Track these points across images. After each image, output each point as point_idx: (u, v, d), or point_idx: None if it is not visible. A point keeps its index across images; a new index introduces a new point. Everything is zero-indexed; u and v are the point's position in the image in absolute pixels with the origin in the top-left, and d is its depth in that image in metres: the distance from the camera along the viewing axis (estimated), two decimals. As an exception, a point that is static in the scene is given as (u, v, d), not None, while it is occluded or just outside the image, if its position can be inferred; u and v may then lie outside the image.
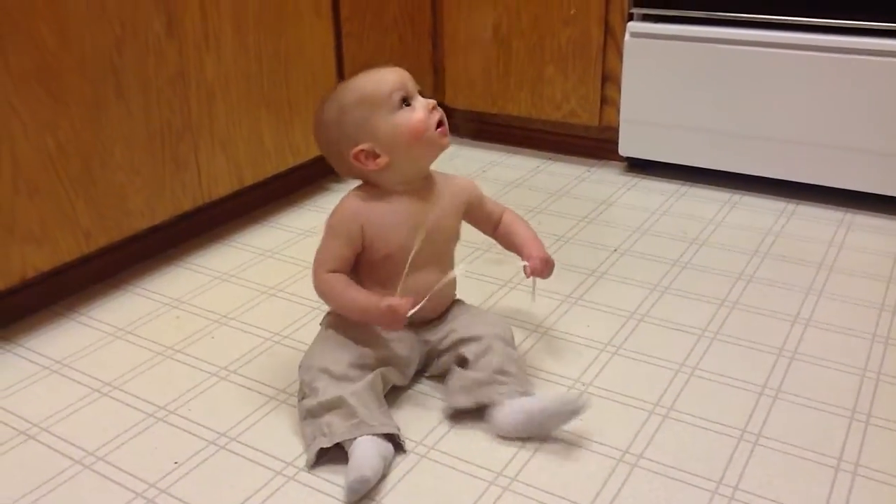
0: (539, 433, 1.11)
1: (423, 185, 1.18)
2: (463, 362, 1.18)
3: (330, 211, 1.17)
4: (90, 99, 1.39)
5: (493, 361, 1.14)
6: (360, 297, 1.13)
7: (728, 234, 1.72)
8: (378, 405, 1.10)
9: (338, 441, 1.05)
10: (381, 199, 1.16)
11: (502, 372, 1.13)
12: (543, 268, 1.21)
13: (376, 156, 1.13)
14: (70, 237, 1.41)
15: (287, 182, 1.93)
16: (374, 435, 1.05)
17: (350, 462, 1.02)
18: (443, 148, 1.16)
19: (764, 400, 1.18)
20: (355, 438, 1.04)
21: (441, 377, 1.22)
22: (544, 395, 1.14)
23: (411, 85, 1.15)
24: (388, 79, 1.14)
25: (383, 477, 1.03)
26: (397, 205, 1.16)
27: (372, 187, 1.17)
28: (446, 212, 1.20)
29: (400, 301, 1.09)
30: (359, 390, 1.08)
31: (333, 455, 1.05)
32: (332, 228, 1.16)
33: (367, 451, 1.02)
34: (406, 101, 1.13)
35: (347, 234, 1.15)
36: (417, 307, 1.11)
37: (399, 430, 1.09)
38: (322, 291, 1.16)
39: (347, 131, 1.14)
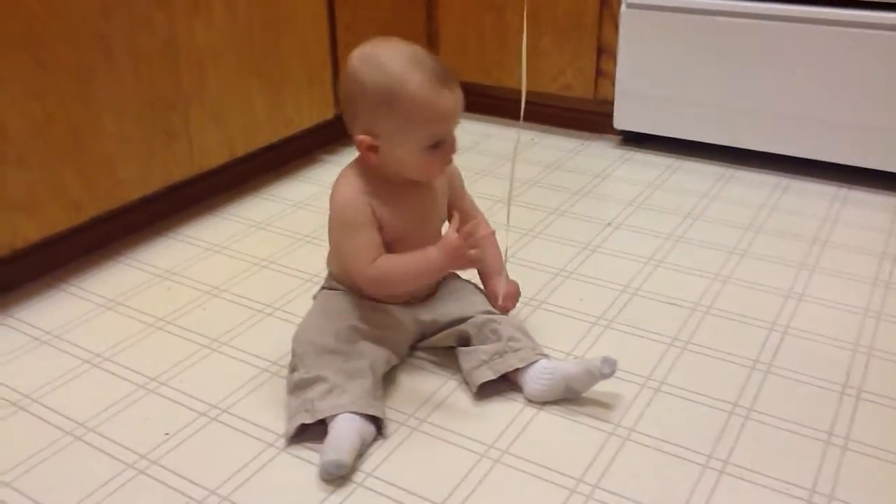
0: (566, 396, 1.12)
1: None
2: (465, 341, 1.18)
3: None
4: (78, 67, 1.37)
5: (500, 331, 1.15)
6: (420, 260, 1.09)
7: (722, 208, 1.71)
8: (371, 384, 1.08)
9: (320, 418, 1.04)
10: (376, 184, 1.12)
11: (513, 339, 1.14)
12: (510, 307, 1.23)
13: (375, 150, 1.09)
14: (60, 207, 1.39)
15: (279, 153, 1.92)
16: (356, 414, 1.04)
17: (327, 439, 1.01)
18: (411, 183, 1.14)
19: (756, 374, 1.18)
20: (337, 415, 1.03)
21: (435, 350, 1.22)
22: (568, 361, 1.15)
23: (457, 118, 1.10)
24: (440, 108, 1.06)
25: (358, 457, 1.02)
26: (395, 190, 1.13)
27: (363, 168, 1.13)
28: (438, 197, 1.19)
29: (451, 239, 1.07)
30: (348, 367, 1.08)
31: (325, 429, 1.05)
32: (349, 223, 1.10)
33: (345, 431, 1.01)
34: (437, 143, 1.09)
35: (367, 218, 1.10)
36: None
37: (384, 414, 1.08)
38: (380, 281, 1.11)
39: (368, 108, 1.07)
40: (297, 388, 1.09)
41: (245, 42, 1.67)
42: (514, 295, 1.24)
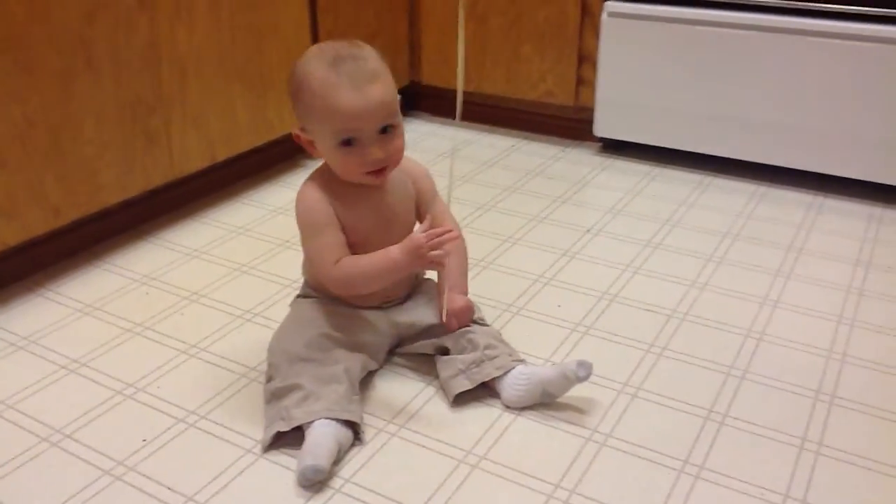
0: (543, 401, 1.12)
1: None
2: (444, 350, 1.18)
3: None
4: (60, 71, 1.36)
5: (477, 340, 1.15)
6: (382, 260, 1.08)
7: (700, 215, 1.73)
8: (346, 389, 1.08)
9: (295, 425, 1.04)
10: (337, 187, 1.13)
11: (490, 347, 1.14)
12: (456, 326, 1.17)
13: (313, 146, 1.11)
14: (39, 211, 1.39)
15: (260, 158, 1.92)
16: (332, 419, 1.04)
17: (304, 445, 1.01)
18: (368, 185, 1.13)
19: (731, 380, 1.20)
20: (313, 421, 1.03)
21: (414, 357, 1.22)
22: (544, 366, 1.16)
23: (367, 120, 1.06)
24: (336, 105, 1.04)
25: (336, 462, 1.02)
26: (353, 192, 1.13)
27: (325, 171, 1.14)
28: (403, 200, 1.18)
29: (415, 238, 1.05)
30: (323, 373, 1.08)
31: (302, 436, 1.05)
32: (312, 225, 1.12)
33: (322, 437, 1.01)
34: (349, 142, 1.06)
35: (329, 219, 1.11)
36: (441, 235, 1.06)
37: (362, 419, 1.08)
38: (345, 281, 1.11)
39: (295, 103, 1.10)
40: (273, 397, 1.09)
41: (227, 47, 1.67)
42: (461, 313, 1.16)
